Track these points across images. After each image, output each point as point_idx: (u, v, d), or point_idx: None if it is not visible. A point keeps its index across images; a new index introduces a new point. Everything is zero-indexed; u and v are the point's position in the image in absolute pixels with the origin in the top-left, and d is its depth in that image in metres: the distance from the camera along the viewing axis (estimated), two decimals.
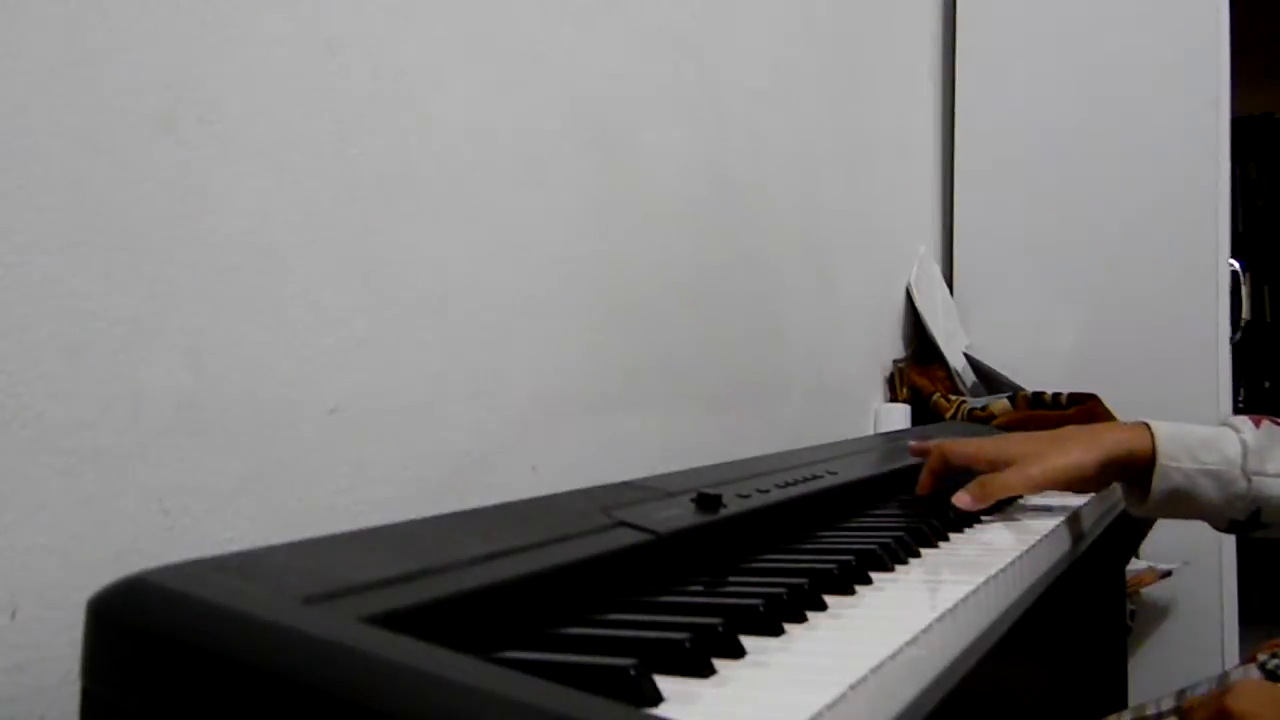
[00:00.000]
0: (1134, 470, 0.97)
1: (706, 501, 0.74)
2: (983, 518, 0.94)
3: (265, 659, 0.36)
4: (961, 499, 0.91)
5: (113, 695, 0.39)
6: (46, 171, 0.59)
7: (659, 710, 0.41)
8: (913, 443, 1.11)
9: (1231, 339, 1.92)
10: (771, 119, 1.46)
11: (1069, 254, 2.02)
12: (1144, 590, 1.87)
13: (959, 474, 1.00)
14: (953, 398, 1.81)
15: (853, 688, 0.45)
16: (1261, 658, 0.95)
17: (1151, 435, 0.96)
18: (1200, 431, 0.97)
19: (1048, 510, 1.00)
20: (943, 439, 1.05)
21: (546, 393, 0.98)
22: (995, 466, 0.96)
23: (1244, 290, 2.03)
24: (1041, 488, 0.95)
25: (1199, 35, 1.93)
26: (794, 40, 1.55)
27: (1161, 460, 0.95)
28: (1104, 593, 1.56)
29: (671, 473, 0.85)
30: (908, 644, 0.52)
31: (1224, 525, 0.98)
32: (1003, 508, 1.01)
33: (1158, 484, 0.95)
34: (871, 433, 1.76)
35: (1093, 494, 1.08)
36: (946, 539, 0.82)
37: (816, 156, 1.62)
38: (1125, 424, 1.01)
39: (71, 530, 0.59)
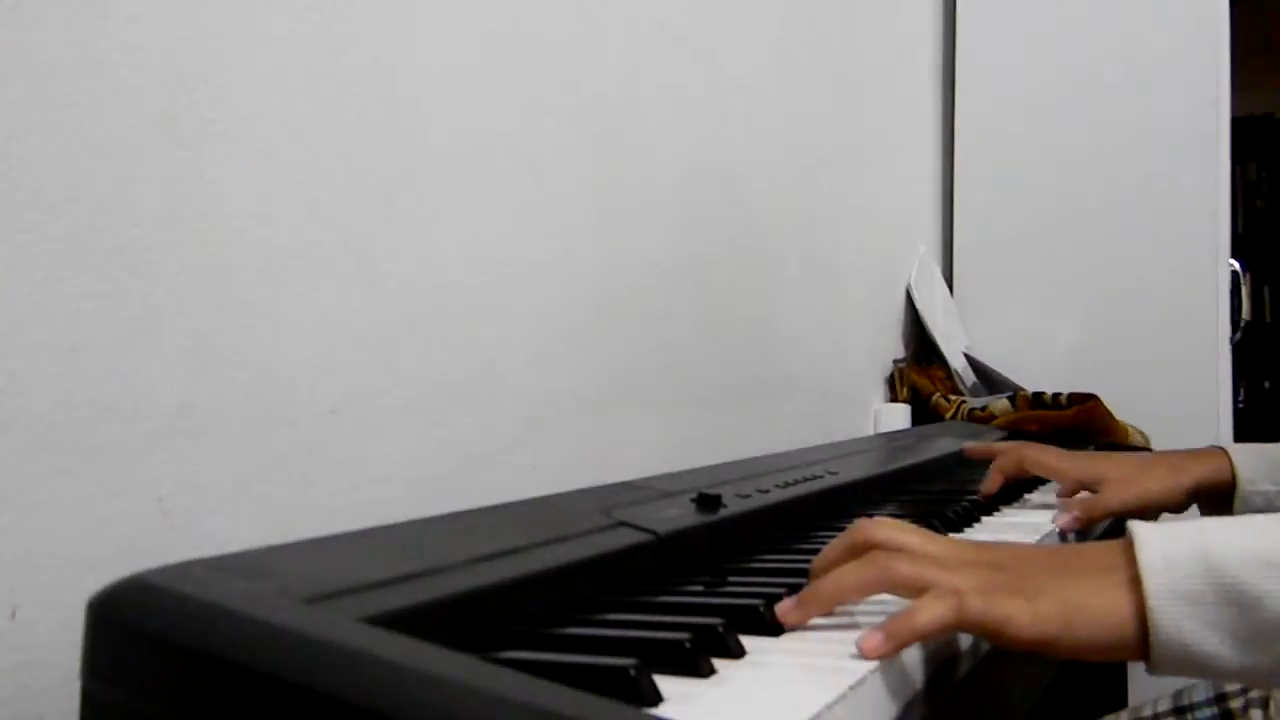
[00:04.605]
0: (1216, 497, 0.98)
1: (706, 501, 0.74)
2: (981, 517, 0.94)
3: (265, 659, 0.36)
4: (1065, 521, 0.92)
5: (113, 695, 0.39)
6: (46, 171, 0.59)
7: (659, 710, 0.41)
8: (971, 445, 1.12)
9: (1231, 339, 1.92)
10: (772, 118, 1.46)
11: (1069, 254, 2.02)
12: None
13: (1024, 480, 1.02)
14: (953, 398, 1.81)
15: (853, 688, 0.45)
16: None
17: (1230, 460, 0.97)
18: (1275, 450, 0.97)
19: (1048, 508, 1.00)
20: (1019, 444, 1.06)
21: (546, 393, 0.98)
22: (1082, 486, 0.98)
23: (1244, 290, 2.03)
24: (1133, 513, 0.96)
25: (1199, 35, 1.93)
26: (794, 39, 1.55)
27: (1242, 485, 0.96)
28: None
29: (671, 473, 0.85)
30: None
31: None
32: (1001, 506, 1.01)
33: (1239, 509, 0.96)
34: (871, 433, 1.76)
35: None
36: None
37: (817, 156, 1.62)
38: (1203, 451, 1.02)
39: (71, 530, 0.59)
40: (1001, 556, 0.58)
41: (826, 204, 1.65)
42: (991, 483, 1.03)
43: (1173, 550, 0.54)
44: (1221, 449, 0.99)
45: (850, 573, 0.56)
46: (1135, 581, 0.54)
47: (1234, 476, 0.96)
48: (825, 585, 0.56)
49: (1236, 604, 0.52)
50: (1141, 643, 0.53)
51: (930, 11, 2.14)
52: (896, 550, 0.57)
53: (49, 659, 0.57)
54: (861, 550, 0.58)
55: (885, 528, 0.59)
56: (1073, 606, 0.54)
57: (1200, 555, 0.53)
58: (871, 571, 0.56)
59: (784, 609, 0.55)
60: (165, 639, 0.38)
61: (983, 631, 0.54)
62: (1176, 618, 0.53)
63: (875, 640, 0.49)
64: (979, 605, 0.53)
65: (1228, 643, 0.53)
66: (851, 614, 0.58)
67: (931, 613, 0.52)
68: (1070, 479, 0.99)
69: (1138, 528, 0.56)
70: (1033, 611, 0.53)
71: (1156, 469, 0.98)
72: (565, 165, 1.03)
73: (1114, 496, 0.95)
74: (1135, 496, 0.95)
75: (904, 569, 0.55)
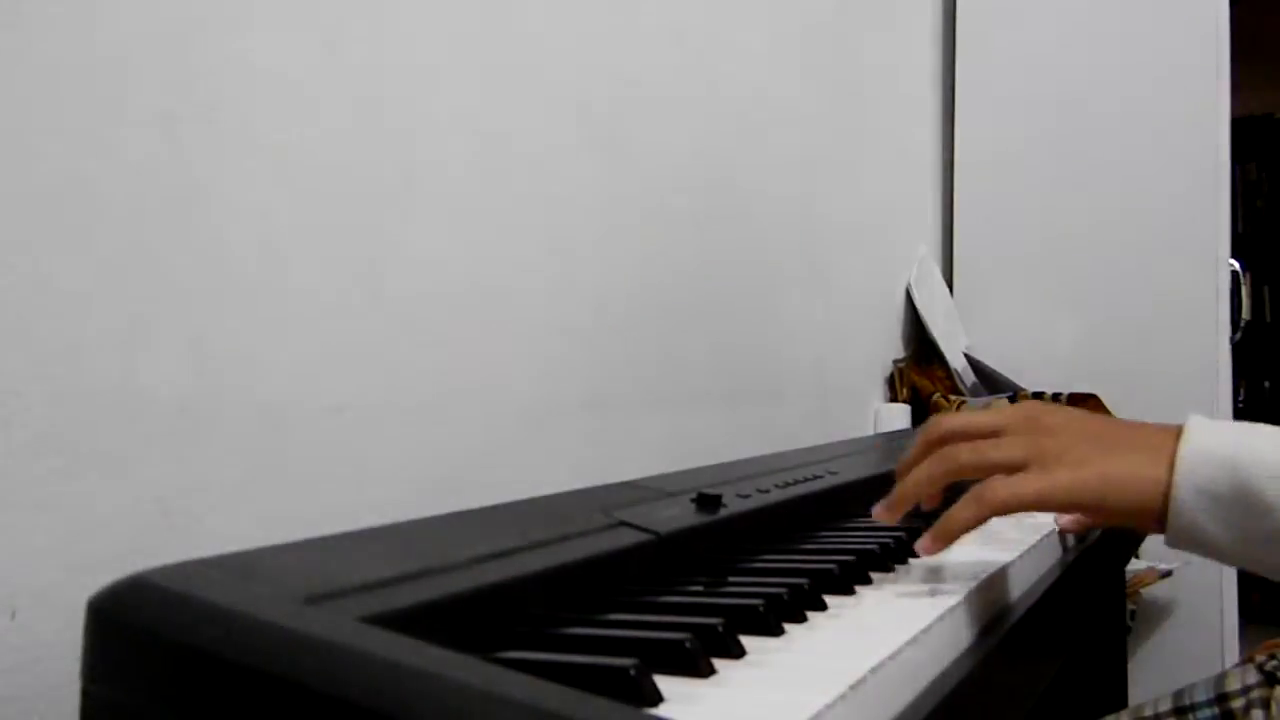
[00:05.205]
0: None
1: (706, 501, 0.74)
2: None
3: (265, 659, 0.36)
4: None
5: (113, 695, 0.39)
6: (46, 171, 0.59)
7: (659, 710, 0.41)
8: None
9: (1231, 339, 1.92)
10: (771, 119, 1.46)
11: (1069, 254, 2.02)
12: (1144, 590, 1.86)
13: None
14: (953, 398, 1.81)
15: (853, 688, 0.45)
16: (1259, 659, 0.95)
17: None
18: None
19: None
20: None
21: (546, 392, 0.98)
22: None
23: (1244, 290, 2.03)
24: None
25: (1199, 35, 1.93)
26: (794, 40, 1.55)
27: None
28: (1104, 592, 1.56)
29: (671, 473, 0.85)
30: (908, 644, 0.51)
31: None
32: None
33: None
34: (871, 433, 1.76)
35: None
36: None
37: (816, 156, 1.62)
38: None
39: (71, 530, 0.59)
40: (1055, 421, 0.65)
41: (826, 204, 1.64)
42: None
43: (1210, 449, 0.61)
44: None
45: (924, 471, 0.65)
46: (1172, 466, 0.61)
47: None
48: (906, 488, 0.66)
49: (1250, 510, 0.59)
50: (1162, 519, 0.61)
51: (930, 12, 2.14)
52: (961, 437, 0.66)
53: (49, 659, 0.57)
54: (937, 444, 0.67)
55: (954, 418, 0.68)
56: (1112, 477, 0.62)
57: (1229, 459, 0.60)
58: (939, 468, 0.65)
59: (879, 511, 0.67)
60: (166, 639, 0.38)
61: (1024, 507, 0.62)
62: (1194, 509, 0.60)
63: (925, 543, 0.62)
64: (1004, 493, 0.62)
65: (1235, 538, 0.60)
66: (844, 616, 0.58)
67: (963, 515, 0.62)
68: None
69: (1194, 420, 0.63)
70: (1073, 477, 0.62)
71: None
72: (565, 165, 1.03)
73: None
74: None
75: (965, 458, 0.64)
